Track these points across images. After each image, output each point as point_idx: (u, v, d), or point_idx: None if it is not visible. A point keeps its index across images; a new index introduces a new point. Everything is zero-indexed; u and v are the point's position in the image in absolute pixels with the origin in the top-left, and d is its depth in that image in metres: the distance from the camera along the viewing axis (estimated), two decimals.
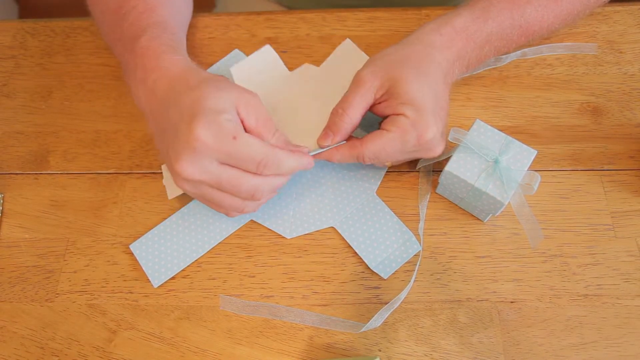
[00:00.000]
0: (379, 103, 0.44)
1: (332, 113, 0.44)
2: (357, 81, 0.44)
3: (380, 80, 0.43)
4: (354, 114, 0.43)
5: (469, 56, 0.47)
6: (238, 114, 0.40)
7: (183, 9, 0.53)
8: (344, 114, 0.43)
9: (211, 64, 0.56)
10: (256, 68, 0.50)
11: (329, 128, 0.44)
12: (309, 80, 0.52)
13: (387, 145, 0.42)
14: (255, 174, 0.40)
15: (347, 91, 0.44)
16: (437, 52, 0.45)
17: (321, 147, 0.45)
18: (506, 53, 0.52)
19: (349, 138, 0.45)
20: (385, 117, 0.44)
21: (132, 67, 0.44)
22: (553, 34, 0.54)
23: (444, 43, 0.45)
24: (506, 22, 0.47)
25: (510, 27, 0.48)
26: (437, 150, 0.44)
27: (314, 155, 0.44)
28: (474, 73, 0.53)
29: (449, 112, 0.51)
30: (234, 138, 0.38)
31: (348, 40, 0.54)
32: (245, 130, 0.41)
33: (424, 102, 0.42)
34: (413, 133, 0.42)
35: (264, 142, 0.40)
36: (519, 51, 0.54)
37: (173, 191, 0.48)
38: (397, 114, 0.42)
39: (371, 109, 0.45)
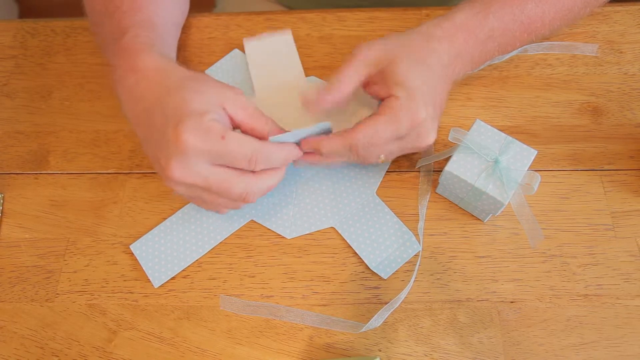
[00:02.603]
0: (375, 84, 0.44)
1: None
2: (352, 54, 0.43)
3: (375, 57, 0.43)
4: (345, 82, 0.43)
5: (472, 52, 0.46)
6: (225, 111, 0.40)
7: (172, 8, 0.52)
8: (335, 78, 0.43)
9: (211, 64, 0.56)
10: (270, 49, 0.49)
11: (319, 90, 0.43)
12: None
13: (380, 129, 0.41)
14: (247, 172, 0.40)
15: (342, 64, 0.44)
16: (437, 43, 0.44)
17: (305, 105, 0.43)
18: (510, 51, 0.52)
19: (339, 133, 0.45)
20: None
21: (114, 68, 0.44)
22: (555, 33, 0.54)
23: (445, 37, 0.45)
24: (507, 17, 0.47)
25: (512, 22, 0.47)
26: (428, 138, 0.43)
27: (305, 143, 0.43)
28: (475, 72, 0.53)
29: (449, 112, 0.52)
30: (222, 138, 0.38)
31: None
32: (235, 126, 0.41)
33: (415, 83, 0.41)
34: (405, 115, 0.41)
35: (252, 138, 0.40)
36: (520, 48, 0.53)
37: None
38: (389, 96, 0.42)
39: (367, 89, 0.44)
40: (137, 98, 0.41)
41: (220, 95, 0.40)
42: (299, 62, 0.54)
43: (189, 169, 0.39)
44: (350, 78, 0.43)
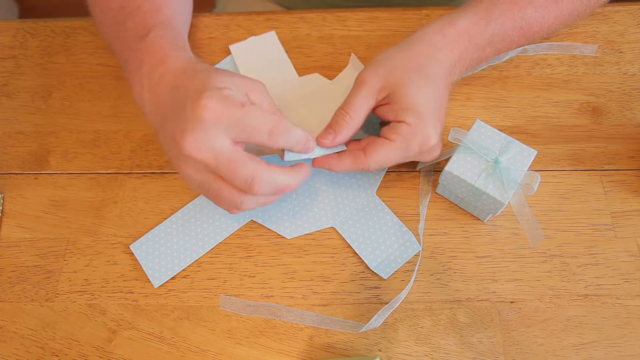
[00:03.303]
0: (381, 105, 0.44)
1: (335, 114, 0.44)
2: (359, 83, 0.44)
3: (382, 83, 0.43)
4: (356, 116, 0.43)
5: (470, 57, 0.47)
6: (248, 98, 0.40)
7: (184, 9, 0.53)
8: (347, 115, 0.43)
9: (211, 64, 0.55)
10: (257, 50, 0.50)
11: (331, 127, 0.44)
12: (316, 86, 0.53)
13: (391, 154, 0.43)
14: (259, 160, 0.39)
15: (349, 93, 0.44)
16: (439, 53, 0.45)
17: (321, 145, 0.44)
18: (505, 52, 0.52)
19: (350, 142, 0.45)
20: (386, 122, 0.44)
21: (137, 64, 0.44)
22: (553, 34, 0.54)
23: (447, 45, 0.45)
24: (508, 24, 0.47)
25: (512, 28, 0.48)
26: (436, 153, 0.44)
27: (316, 162, 0.44)
28: (474, 72, 0.53)
29: (449, 113, 0.52)
30: (242, 106, 0.37)
31: (353, 56, 0.54)
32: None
33: (425, 107, 0.42)
34: (415, 141, 0.42)
35: (272, 113, 0.39)
36: (520, 48, 0.54)
37: None
38: (399, 121, 0.42)
39: (373, 111, 0.45)
40: (162, 85, 0.41)
41: (246, 84, 0.40)
42: (288, 58, 0.54)
43: (202, 142, 0.37)
44: (361, 110, 0.43)
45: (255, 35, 0.57)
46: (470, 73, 0.53)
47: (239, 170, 0.38)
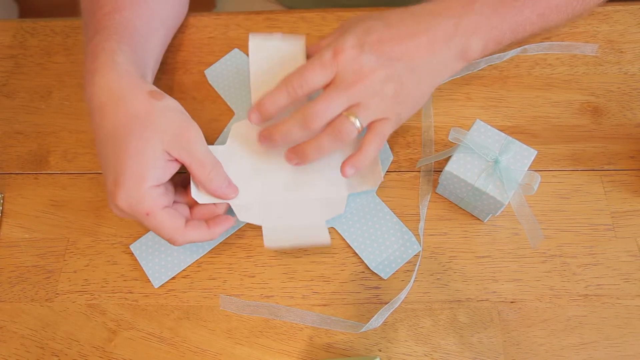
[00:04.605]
0: None
1: None
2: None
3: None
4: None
5: (474, 18, 0.44)
6: (170, 156, 0.41)
7: (159, 9, 0.50)
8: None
9: (210, 64, 0.55)
10: (277, 52, 0.47)
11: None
12: None
13: (309, 64, 0.42)
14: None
15: None
16: (414, 7, 0.45)
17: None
18: (522, 32, 0.48)
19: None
20: None
21: (86, 57, 0.44)
22: (562, 17, 0.51)
23: (428, 6, 0.45)
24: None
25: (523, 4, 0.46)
26: (370, 79, 0.42)
27: (261, 135, 0.44)
28: (475, 72, 0.53)
29: (450, 112, 0.52)
30: (147, 214, 0.40)
31: None
32: (180, 163, 0.42)
33: (348, 30, 0.42)
34: (327, 50, 0.42)
35: (176, 222, 0.41)
36: (520, 48, 0.53)
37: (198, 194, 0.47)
38: None
39: None
40: (93, 111, 0.42)
41: (165, 140, 0.40)
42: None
43: (124, 215, 0.42)
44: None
45: (283, 32, 0.54)
46: (508, 43, 0.50)
47: (162, 234, 0.42)
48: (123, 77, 0.42)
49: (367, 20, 0.43)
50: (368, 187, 0.47)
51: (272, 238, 0.45)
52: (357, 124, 0.42)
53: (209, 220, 0.44)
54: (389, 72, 0.42)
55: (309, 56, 0.47)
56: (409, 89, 0.44)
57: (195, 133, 0.42)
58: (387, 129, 0.44)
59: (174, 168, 0.42)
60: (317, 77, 0.42)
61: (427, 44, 0.43)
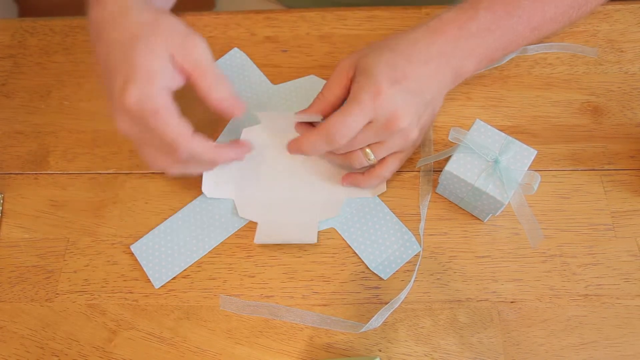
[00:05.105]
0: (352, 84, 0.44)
1: None
2: (335, 67, 0.45)
3: (352, 61, 0.44)
4: (328, 92, 0.44)
5: (468, 43, 0.45)
6: (174, 61, 0.40)
7: None
8: (320, 93, 0.45)
9: None
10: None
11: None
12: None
13: (346, 114, 0.41)
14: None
15: None
16: (416, 33, 0.45)
17: (297, 119, 0.46)
18: (516, 47, 0.49)
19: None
20: None
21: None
22: (558, 26, 0.51)
23: (430, 29, 0.45)
24: (500, 11, 0.46)
25: (507, 16, 0.46)
26: (403, 119, 0.42)
27: (290, 146, 0.45)
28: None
29: (450, 112, 0.52)
30: (155, 112, 0.39)
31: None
32: (186, 75, 0.41)
33: (376, 68, 0.42)
34: (365, 94, 0.41)
35: (183, 127, 0.40)
36: (520, 48, 0.53)
37: (208, 189, 0.48)
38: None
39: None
40: (99, 35, 0.42)
41: (173, 46, 0.40)
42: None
43: (126, 123, 0.41)
44: (332, 87, 0.45)
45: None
46: (497, 64, 0.53)
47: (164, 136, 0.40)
48: None
49: (383, 53, 0.43)
50: (367, 195, 0.48)
51: (264, 236, 0.46)
52: (371, 157, 0.45)
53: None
54: (412, 112, 0.43)
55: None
56: (426, 125, 0.46)
57: (200, 42, 0.41)
58: (398, 164, 0.47)
59: (180, 81, 0.42)
60: (358, 123, 0.42)
61: (435, 71, 0.44)
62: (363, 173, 0.47)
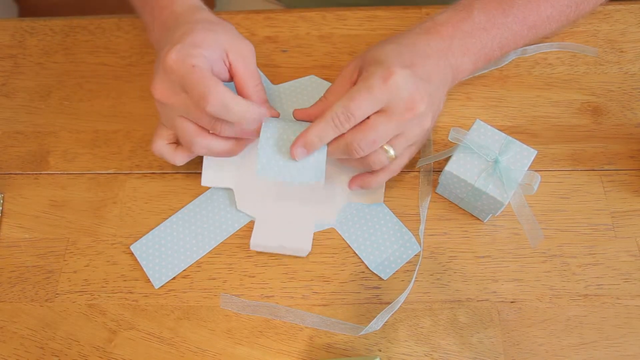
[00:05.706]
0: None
1: None
2: (342, 69, 0.46)
3: (358, 62, 0.44)
4: (331, 95, 0.45)
5: (465, 41, 0.45)
6: (227, 57, 0.43)
7: None
8: (323, 96, 0.46)
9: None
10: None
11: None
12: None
13: (355, 94, 0.40)
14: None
15: None
16: (410, 32, 0.46)
17: (294, 117, 0.46)
18: (514, 48, 0.50)
19: None
20: None
21: (149, 9, 0.48)
22: (556, 25, 0.51)
23: (423, 30, 0.46)
24: (495, 11, 0.46)
25: (502, 15, 0.46)
26: (420, 103, 0.41)
27: (295, 144, 0.43)
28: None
29: (450, 112, 0.52)
30: (193, 66, 0.40)
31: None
32: (232, 75, 0.44)
33: (385, 56, 0.42)
34: (376, 79, 0.40)
35: (216, 81, 0.40)
36: (520, 49, 0.53)
37: (207, 179, 0.49)
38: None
39: None
40: (167, 26, 0.45)
41: (228, 42, 0.43)
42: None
43: (163, 86, 0.42)
44: (336, 89, 0.45)
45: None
46: (493, 67, 0.53)
47: (204, 98, 0.40)
48: (204, 6, 0.47)
49: (385, 45, 0.44)
50: (366, 202, 0.48)
51: (259, 242, 0.46)
52: (391, 152, 0.43)
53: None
54: (427, 97, 0.42)
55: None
56: (435, 115, 0.45)
57: (252, 48, 0.45)
58: (409, 158, 0.46)
59: (222, 74, 0.44)
60: (367, 107, 0.40)
61: (437, 65, 0.44)
62: (371, 172, 0.45)
